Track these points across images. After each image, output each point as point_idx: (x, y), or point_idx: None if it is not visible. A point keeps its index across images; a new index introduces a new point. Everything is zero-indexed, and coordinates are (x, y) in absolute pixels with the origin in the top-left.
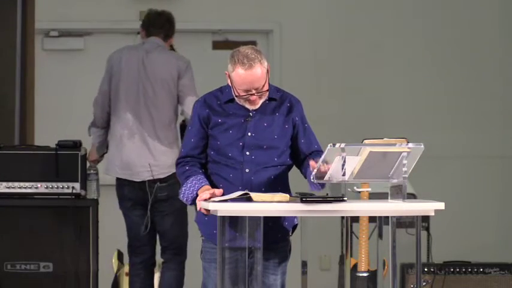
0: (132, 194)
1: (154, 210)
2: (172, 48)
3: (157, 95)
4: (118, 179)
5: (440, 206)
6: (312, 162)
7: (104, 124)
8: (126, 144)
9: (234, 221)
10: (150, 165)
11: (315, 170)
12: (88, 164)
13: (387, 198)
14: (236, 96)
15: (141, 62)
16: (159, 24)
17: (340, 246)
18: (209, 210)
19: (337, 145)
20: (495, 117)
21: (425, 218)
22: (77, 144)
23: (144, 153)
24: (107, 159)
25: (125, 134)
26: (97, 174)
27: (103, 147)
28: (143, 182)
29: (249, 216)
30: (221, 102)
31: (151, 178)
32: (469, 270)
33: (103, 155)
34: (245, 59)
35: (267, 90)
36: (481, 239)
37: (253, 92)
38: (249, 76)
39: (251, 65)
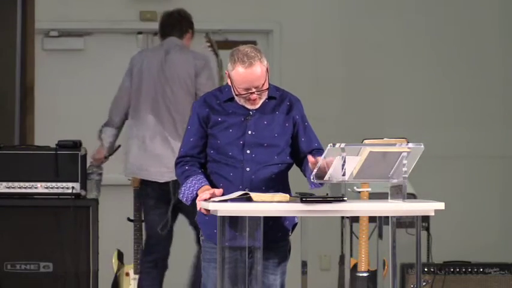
0: (154, 193)
1: (178, 209)
2: (212, 46)
3: (176, 95)
4: (141, 180)
5: (440, 206)
6: (310, 157)
7: (119, 123)
8: (148, 145)
9: (234, 221)
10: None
11: (315, 170)
12: (88, 164)
13: (387, 198)
14: (236, 95)
15: (161, 63)
16: (170, 25)
17: (340, 246)
18: (209, 210)
19: (337, 145)
20: (496, 117)
21: (425, 218)
22: (77, 144)
23: (167, 154)
24: (126, 161)
25: (147, 136)
26: (100, 174)
27: (112, 147)
28: (166, 183)
29: (249, 216)
30: (220, 101)
31: (175, 179)
32: (469, 270)
33: (108, 157)
34: (245, 57)
35: (267, 89)
36: (482, 239)
37: (254, 90)
38: (249, 74)
39: (251, 63)
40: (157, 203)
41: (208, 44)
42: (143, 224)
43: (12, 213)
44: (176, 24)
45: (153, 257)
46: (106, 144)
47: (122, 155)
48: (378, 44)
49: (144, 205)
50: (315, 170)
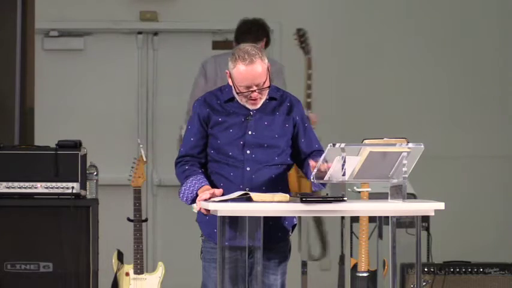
0: None
1: None
2: (302, 42)
3: None
4: None
5: (440, 206)
6: (312, 162)
7: None
8: None
9: (234, 221)
10: None
11: (315, 170)
12: (88, 164)
13: (387, 198)
14: (237, 93)
15: None
16: (245, 31)
17: (340, 246)
18: (209, 210)
19: (337, 145)
20: (495, 117)
21: (425, 218)
22: (77, 144)
23: None
24: None
25: None
26: (97, 174)
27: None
28: None
29: (249, 216)
30: (221, 101)
31: None
32: (469, 270)
33: None
34: (246, 55)
35: (268, 87)
36: (481, 239)
37: (255, 88)
38: (250, 72)
39: (252, 60)
40: None
41: (298, 41)
42: (143, 224)
43: (12, 213)
44: (250, 31)
45: None
46: None
47: (123, 157)
48: (377, 44)
49: None
50: (315, 171)
